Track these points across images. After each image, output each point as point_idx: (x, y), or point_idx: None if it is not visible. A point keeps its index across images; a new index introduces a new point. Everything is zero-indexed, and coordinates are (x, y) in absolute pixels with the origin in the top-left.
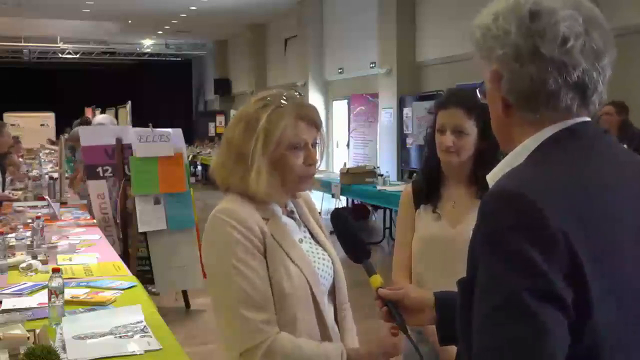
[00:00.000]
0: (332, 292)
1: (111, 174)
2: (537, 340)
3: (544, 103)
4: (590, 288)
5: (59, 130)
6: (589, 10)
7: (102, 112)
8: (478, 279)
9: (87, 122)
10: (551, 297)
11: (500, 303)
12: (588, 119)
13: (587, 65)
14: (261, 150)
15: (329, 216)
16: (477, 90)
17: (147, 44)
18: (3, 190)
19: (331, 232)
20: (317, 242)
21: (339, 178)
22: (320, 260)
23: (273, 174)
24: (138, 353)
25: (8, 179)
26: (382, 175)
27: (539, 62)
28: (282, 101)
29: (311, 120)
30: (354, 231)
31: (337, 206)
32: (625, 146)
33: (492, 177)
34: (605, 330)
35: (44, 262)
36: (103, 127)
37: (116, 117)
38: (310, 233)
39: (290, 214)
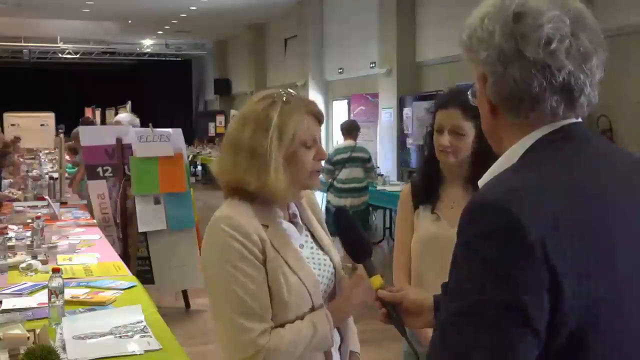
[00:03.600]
0: (333, 296)
1: (111, 174)
2: (497, 351)
3: (529, 106)
4: (565, 299)
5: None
6: (577, 10)
7: (102, 112)
8: (449, 280)
9: (89, 122)
10: (517, 309)
11: (465, 309)
12: (577, 120)
13: (573, 67)
14: (277, 147)
15: (333, 214)
16: (469, 92)
17: (147, 44)
18: (0, 190)
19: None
20: (319, 245)
21: None
22: (321, 266)
23: (286, 171)
24: (138, 353)
25: (6, 181)
26: (382, 175)
27: (523, 65)
28: (288, 97)
29: (317, 115)
30: (358, 231)
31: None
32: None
33: (483, 182)
34: (603, 341)
35: (44, 262)
36: (103, 127)
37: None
38: (313, 236)
39: (293, 218)
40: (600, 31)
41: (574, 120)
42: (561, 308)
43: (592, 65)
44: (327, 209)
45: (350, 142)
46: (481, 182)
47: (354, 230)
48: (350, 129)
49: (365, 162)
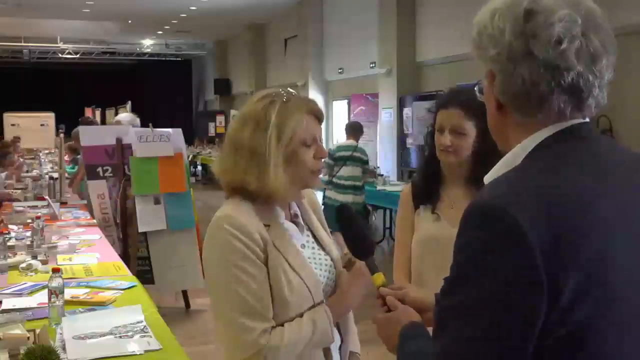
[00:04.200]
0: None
1: (111, 174)
2: (493, 349)
3: (536, 106)
4: (564, 300)
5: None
6: (589, 10)
7: (102, 112)
8: (449, 276)
9: (89, 122)
10: (517, 309)
11: (464, 308)
12: (584, 120)
13: (582, 68)
14: (276, 146)
15: (337, 211)
16: (476, 88)
17: (147, 44)
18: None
19: (332, 232)
20: (320, 245)
21: None
22: (322, 266)
23: (286, 170)
24: (138, 353)
25: (3, 173)
26: (382, 175)
27: (531, 64)
28: (287, 97)
29: (317, 114)
30: (361, 228)
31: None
32: None
33: (489, 179)
34: (604, 341)
35: (44, 262)
36: (103, 127)
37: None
38: (314, 236)
39: (294, 218)
40: (611, 31)
41: (581, 120)
42: (560, 308)
43: (602, 66)
44: (326, 204)
45: (352, 142)
46: (487, 179)
47: (357, 228)
48: (355, 130)
49: (364, 164)
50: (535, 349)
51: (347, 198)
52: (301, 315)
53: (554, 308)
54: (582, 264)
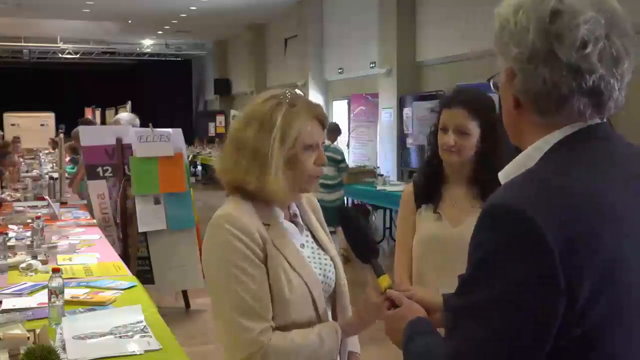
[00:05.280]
0: (333, 295)
1: (111, 174)
2: (505, 350)
3: (556, 107)
4: (580, 302)
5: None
6: (613, 11)
7: (102, 112)
8: (464, 274)
9: (88, 122)
10: (529, 311)
11: (475, 310)
12: (600, 121)
13: (604, 71)
14: (279, 148)
15: (339, 215)
16: (491, 82)
17: (147, 44)
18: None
19: (332, 232)
20: (320, 245)
21: None
22: (322, 266)
23: (286, 173)
24: (138, 353)
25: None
26: (382, 175)
27: (554, 65)
28: (294, 99)
29: (322, 119)
30: (366, 231)
31: None
32: None
33: (504, 176)
34: (613, 342)
35: (44, 262)
36: (103, 127)
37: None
38: (313, 236)
39: (293, 218)
40: (633, 32)
41: (597, 121)
42: (578, 309)
43: (623, 69)
44: None
45: (326, 142)
46: (502, 176)
47: (360, 231)
48: (331, 131)
49: (338, 163)
50: (551, 349)
51: (319, 195)
52: (303, 318)
53: (572, 309)
54: (598, 265)
